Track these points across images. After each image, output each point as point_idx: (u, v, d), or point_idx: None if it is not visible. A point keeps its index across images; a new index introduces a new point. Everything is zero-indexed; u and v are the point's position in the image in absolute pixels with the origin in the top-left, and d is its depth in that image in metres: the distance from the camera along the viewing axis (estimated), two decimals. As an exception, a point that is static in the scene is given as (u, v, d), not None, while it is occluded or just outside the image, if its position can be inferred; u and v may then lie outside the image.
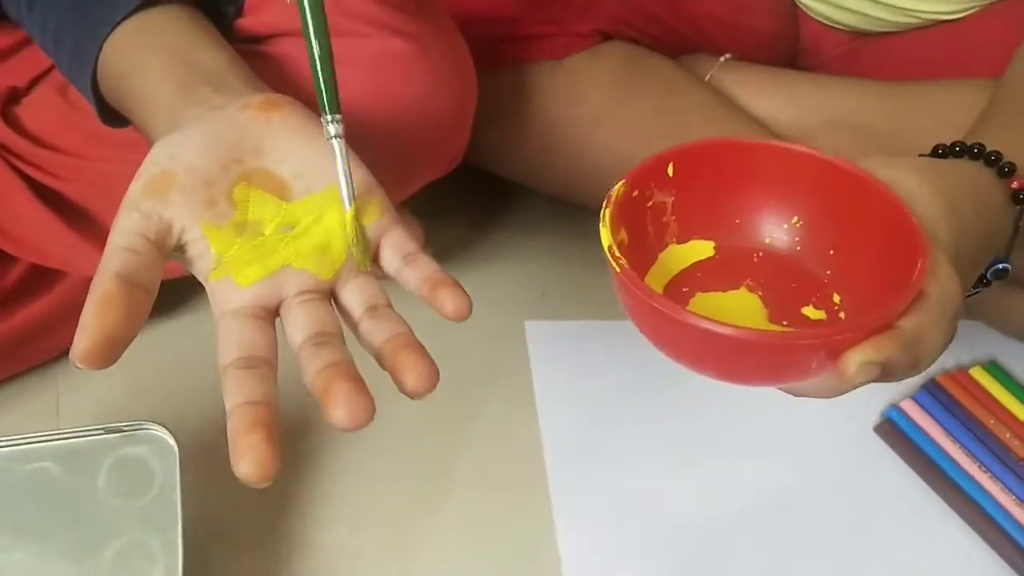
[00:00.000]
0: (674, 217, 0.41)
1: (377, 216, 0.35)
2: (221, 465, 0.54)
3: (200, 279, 0.33)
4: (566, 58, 0.63)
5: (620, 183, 0.38)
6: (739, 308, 0.39)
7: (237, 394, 0.29)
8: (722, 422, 0.65)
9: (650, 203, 0.40)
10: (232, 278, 0.32)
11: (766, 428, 0.65)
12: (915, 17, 0.71)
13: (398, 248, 0.36)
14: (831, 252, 0.40)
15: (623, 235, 0.37)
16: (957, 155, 0.43)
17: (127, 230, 0.31)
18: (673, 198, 0.41)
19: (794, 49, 0.81)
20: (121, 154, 0.55)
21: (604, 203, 0.37)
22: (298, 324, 0.32)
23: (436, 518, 0.57)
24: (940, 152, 0.44)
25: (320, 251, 0.34)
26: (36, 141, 0.56)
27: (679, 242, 0.41)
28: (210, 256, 0.32)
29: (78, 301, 0.60)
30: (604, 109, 0.63)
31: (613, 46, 0.66)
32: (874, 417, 0.66)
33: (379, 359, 0.31)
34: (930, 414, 0.65)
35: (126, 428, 0.50)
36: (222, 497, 0.55)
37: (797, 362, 0.34)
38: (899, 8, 0.71)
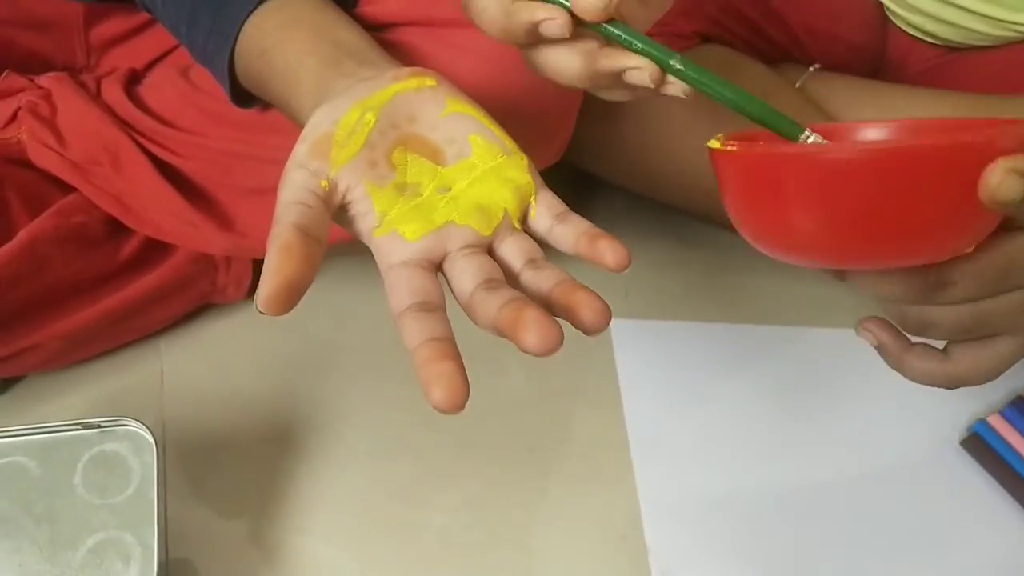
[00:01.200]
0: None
1: (526, 172, 0.36)
2: (207, 467, 0.56)
3: (362, 238, 0.35)
4: (666, 58, 0.64)
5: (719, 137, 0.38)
6: None
7: (419, 333, 0.29)
8: (808, 429, 0.65)
9: None
10: (400, 232, 0.33)
11: (852, 438, 0.65)
12: (1013, 31, 0.71)
13: (549, 207, 0.36)
14: None
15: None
16: None
17: (297, 186, 0.33)
18: None
19: (880, 63, 0.81)
20: (240, 135, 0.57)
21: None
22: (466, 272, 0.32)
23: (525, 511, 0.58)
24: None
25: (479, 210, 0.35)
26: (159, 119, 0.58)
27: None
28: (373, 214, 0.34)
29: (186, 276, 0.63)
30: (702, 110, 0.64)
31: (712, 48, 0.66)
32: (960, 431, 0.66)
33: (549, 303, 0.32)
34: (1017, 429, 0.65)
35: (104, 424, 0.50)
36: (205, 499, 0.56)
37: (928, 182, 0.32)
38: (998, 21, 0.70)
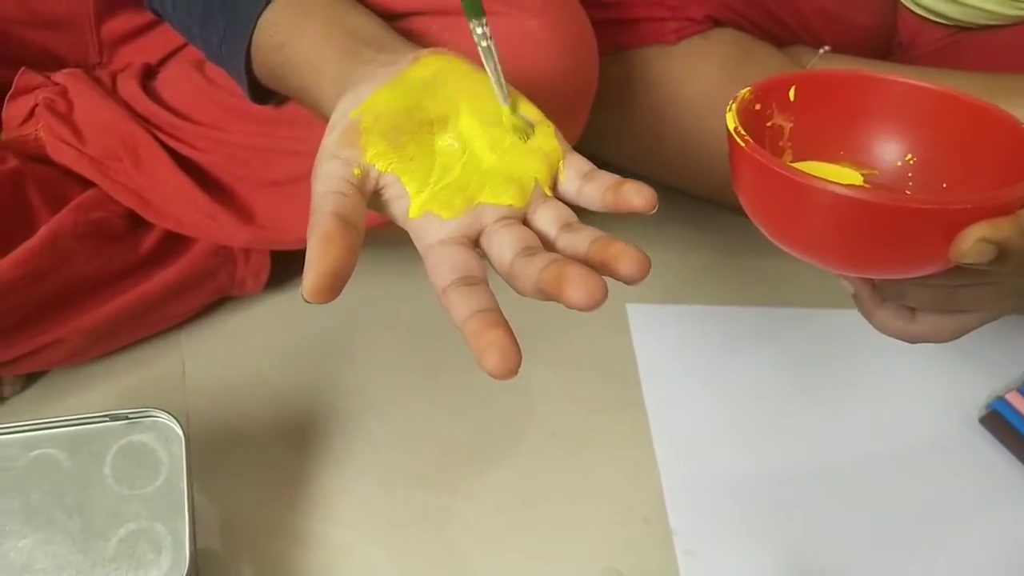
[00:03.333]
0: (790, 143, 0.42)
1: (553, 138, 0.37)
2: (231, 459, 0.56)
3: (397, 221, 0.35)
4: (678, 43, 0.64)
5: (746, 90, 0.40)
6: None
7: (466, 307, 0.30)
8: (827, 409, 0.65)
9: (770, 123, 0.41)
10: (435, 212, 0.33)
11: (871, 417, 0.65)
12: (1021, 10, 0.71)
13: (577, 169, 0.36)
14: (944, 185, 0.41)
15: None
16: None
17: (331, 176, 0.33)
18: (791, 124, 0.42)
19: (889, 44, 0.81)
20: (258, 128, 0.57)
21: (730, 102, 0.39)
22: (504, 243, 0.33)
23: (548, 496, 0.59)
24: None
25: (510, 181, 0.35)
26: (176, 113, 0.59)
27: None
28: (407, 197, 0.34)
29: (205, 269, 0.63)
30: (715, 93, 0.64)
31: (724, 32, 0.66)
32: (979, 409, 0.66)
33: (587, 262, 0.32)
34: (1035, 406, 0.65)
35: (132, 415, 0.50)
36: (230, 490, 0.56)
37: (914, 233, 0.34)
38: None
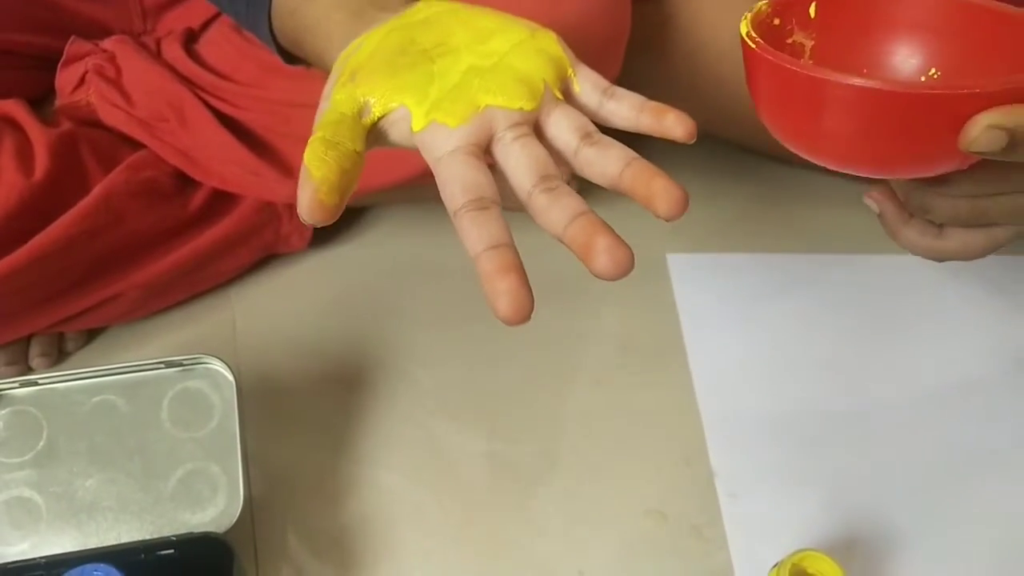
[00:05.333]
0: (811, 62, 0.41)
1: (556, 44, 0.35)
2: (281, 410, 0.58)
3: (405, 142, 0.34)
4: (713, -15, 0.63)
5: (764, 2, 0.39)
6: None
7: (479, 238, 0.29)
8: (869, 352, 0.64)
9: (790, 40, 0.41)
10: (439, 120, 0.32)
11: (914, 359, 0.64)
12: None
13: (594, 82, 0.35)
14: None
15: None
16: None
17: (323, 115, 0.33)
18: (812, 43, 0.41)
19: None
20: (296, 84, 0.58)
21: (745, 12, 0.38)
22: (520, 167, 0.32)
23: (591, 441, 0.59)
24: None
25: (517, 83, 0.33)
26: (218, 74, 0.60)
27: None
28: (408, 115, 0.33)
29: (252, 225, 0.65)
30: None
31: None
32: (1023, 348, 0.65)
33: (618, 187, 0.31)
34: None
35: (186, 362, 0.52)
36: (281, 440, 0.58)
37: (926, 122, 0.34)
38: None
